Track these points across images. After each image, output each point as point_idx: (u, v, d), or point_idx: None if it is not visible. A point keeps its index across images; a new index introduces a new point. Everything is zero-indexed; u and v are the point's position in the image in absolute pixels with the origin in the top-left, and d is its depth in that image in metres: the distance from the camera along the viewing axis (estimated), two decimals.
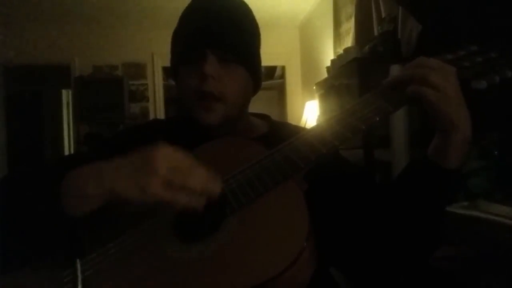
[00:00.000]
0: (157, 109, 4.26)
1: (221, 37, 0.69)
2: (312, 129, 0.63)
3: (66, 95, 5.12)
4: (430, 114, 0.60)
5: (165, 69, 4.25)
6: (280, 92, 4.98)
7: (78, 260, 0.52)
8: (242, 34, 0.72)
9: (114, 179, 0.52)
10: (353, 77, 1.88)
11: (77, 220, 0.52)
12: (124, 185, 0.51)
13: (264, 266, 0.49)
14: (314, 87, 2.75)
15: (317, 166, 0.59)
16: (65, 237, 0.53)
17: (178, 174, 0.51)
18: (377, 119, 0.60)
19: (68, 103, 5.10)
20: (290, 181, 0.57)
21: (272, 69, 4.99)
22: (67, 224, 0.52)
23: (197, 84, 0.69)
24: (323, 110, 2.53)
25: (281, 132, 0.78)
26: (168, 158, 0.52)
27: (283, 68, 4.67)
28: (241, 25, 0.73)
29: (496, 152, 1.14)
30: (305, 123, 3.36)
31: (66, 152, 4.85)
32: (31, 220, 0.54)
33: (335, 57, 2.65)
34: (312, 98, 3.28)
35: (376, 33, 2.26)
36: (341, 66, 2.23)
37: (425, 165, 0.63)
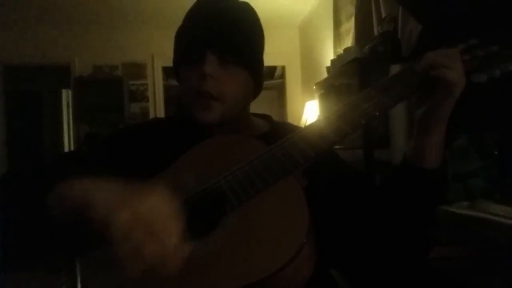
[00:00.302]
0: (157, 109, 4.27)
1: (221, 38, 0.70)
2: (312, 125, 0.63)
3: (66, 95, 5.12)
4: (432, 106, 0.60)
5: (165, 69, 4.25)
6: (280, 92, 4.98)
7: (77, 259, 0.52)
8: (243, 36, 0.73)
9: (94, 193, 0.48)
10: (353, 77, 1.88)
11: (65, 225, 0.51)
12: (97, 200, 0.47)
13: (263, 263, 0.49)
14: (314, 87, 2.76)
15: (316, 164, 0.59)
16: (58, 239, 0.53)
17: (143, 232, 0.44)
18: (377, 113, 0.60)
19: (68, 103, 5.10)
20: (290, 177, 0.57)
21: (272, 69, 4.99)
22: (56, 228, 0.52)
23: (196, 84, 0.70)
24: (323, 110, 2.53)
25: (281, 131, 0.78)
26: (152, 207, 0.46)
27: (283, 68, 4.67)
28: (243, 27, 0.73)
29: (496, 152, 1.14)
30: (305, 123, 3.36)
31: None
32: (25, 224, 0.54)
33: (335, 57, 2.65)
34: (312, 98, 3.28)
35: (376, 33, 2.26)
36: (341, 66, 2.23)
37: (412, 169, 0.64)
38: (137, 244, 0.44)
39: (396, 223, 0.65)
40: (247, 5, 0.77)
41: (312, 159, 0.58)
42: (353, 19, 2.69)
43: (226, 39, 0.70)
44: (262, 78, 0.80)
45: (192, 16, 0.75)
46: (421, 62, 0.63)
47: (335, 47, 3.09)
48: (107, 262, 0.54)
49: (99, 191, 0.49)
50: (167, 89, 4.35)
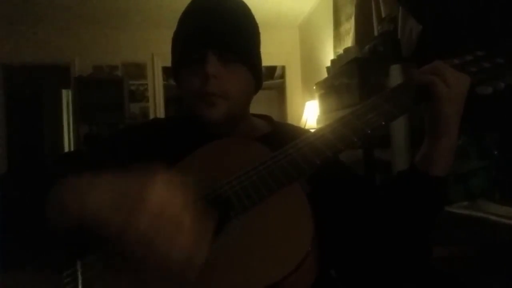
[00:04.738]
0: (157, 109, 4.26)
1: (222, 37, 0.69)
2: (317, 132, 0.63)
3: (66, 95, 5.12)
4: (432, 111, 0.60)
5: (165, 69, 4.25)
6: (280, 92, 4.98)
7: (78, 261, 0.52)
8: (242, 33, 0.73)
9: (97, 206, 0.47)
10: (353, 77, 1.88)
11: (61, 233, 0.51)
12: (105, 215, 0.46)
13: (268, 270, 0.49)
14: (314, 87, 2.75)
15: (319, 169, 0.59)
16: (59, 242, 0.53)
17: (165, 230, 0.44)
18: (383, 123, 0.60)
19: (68, 103, 5.10)
20: (295, 184, 0.57)
21: (272, 69, 4.99)
22: (52, 236, 0.51)
23: (200, 85, 0.69)
24: (323, 110, 2.53)
25: (283, 133, 0.78)
26: (161, 201, 0.45)
27: (283, 68, 4.67)
28: (241, 25, 0.73)
29: (496, 152, 1.14)
30: (305, 123, 3.36)
31: None
32: (23, 225, 0.54)
33: (335, 57, 2.65)
34: (312, 98, 3.28)
35: (376, 33, 2.26)
36: (341, 66, 2.23)
37: (417, 175, 0.64)
38: (166, 245, 0.44)
39: (399, 227, 0.64)
40: (241, 2, 0.77)
41: (316, 167, 0.58)
42: (353, 19, 2.69)
43: (225, 38, 0.70)
44: (262, 74, 0.80)
45: (187, 18, 0.74)
46: (415, 76, 0.63)
47: (335, 47, 3.09)
48: (112, 264, 0.54)
49: (100, 203, 0.47)
50: (167, 89, 4.35)
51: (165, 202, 0.46)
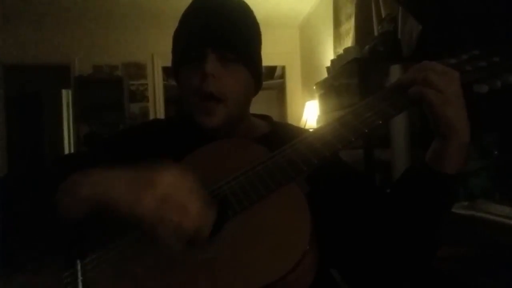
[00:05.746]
0: (157, 109, 4.26)
1: (222, 37, 0.69)
2: (315, 131, 0.63)
3: (66, 95, 5.12)
4: (430, 116, 0.60)
5: (165, 69, 4.25)
6: (280, 92, 4.98)
7: (78, 261, 0.52)
8: (243, 34, 0.72)
9: (109, 188, 0.52)
10: (353, 77, 1.88)
11: (71, 224, 0.53)
12: (116, 195, 0.51)
13: (266, 270, 0.49)
14: (314, 87, 2.76)
15: (319, 168, 0.59)
16: (62, 239, 0.53)
17: (173, 209, 0.50)
18: (380, 122, 0.60)
19: (68, 103, 5.10)
20: (293, 183, 0.57)
21: (272, 69, 4.99)
22: (61, 227, 0.53)
23: (198, 84, 0.69)
24: (323, 110, 2.53)
25: (282, 133, 0.77)
26: (170, 185, 0.52)
27: (283, 68, 4.67)
28: (242, 25, 0.73)
29: (496, 152, 1.14)
30: (305, 123, 3.36)
31: (66, 152, 4.85)
32: (28, 221, 0.54)
33: (335, 57, 2.65)
34: (312, 98, 3.28)
35: (376, 33, 2.26)
36: (341, 66, 2.23)
37: (425, 171, 0.63)
38: (174, 222, 0.49)
39: (407, 224, 0.63)
40: (243, 2, 0.76)
41: (315, 166, 0.58)
42: (353, 19, 2.69)
43: (226, 37, 0.69)
44: (262, 75, 0.79)
45: (189, 16, 0.74)
46: (404, 76, 0.62)
47: (335, 47, 3.09)
48: (112, 260, 0.54)
49: (112, 185, 0.52)
50: (167, 89, 4.35)
51: (174, 181, 0.52)
